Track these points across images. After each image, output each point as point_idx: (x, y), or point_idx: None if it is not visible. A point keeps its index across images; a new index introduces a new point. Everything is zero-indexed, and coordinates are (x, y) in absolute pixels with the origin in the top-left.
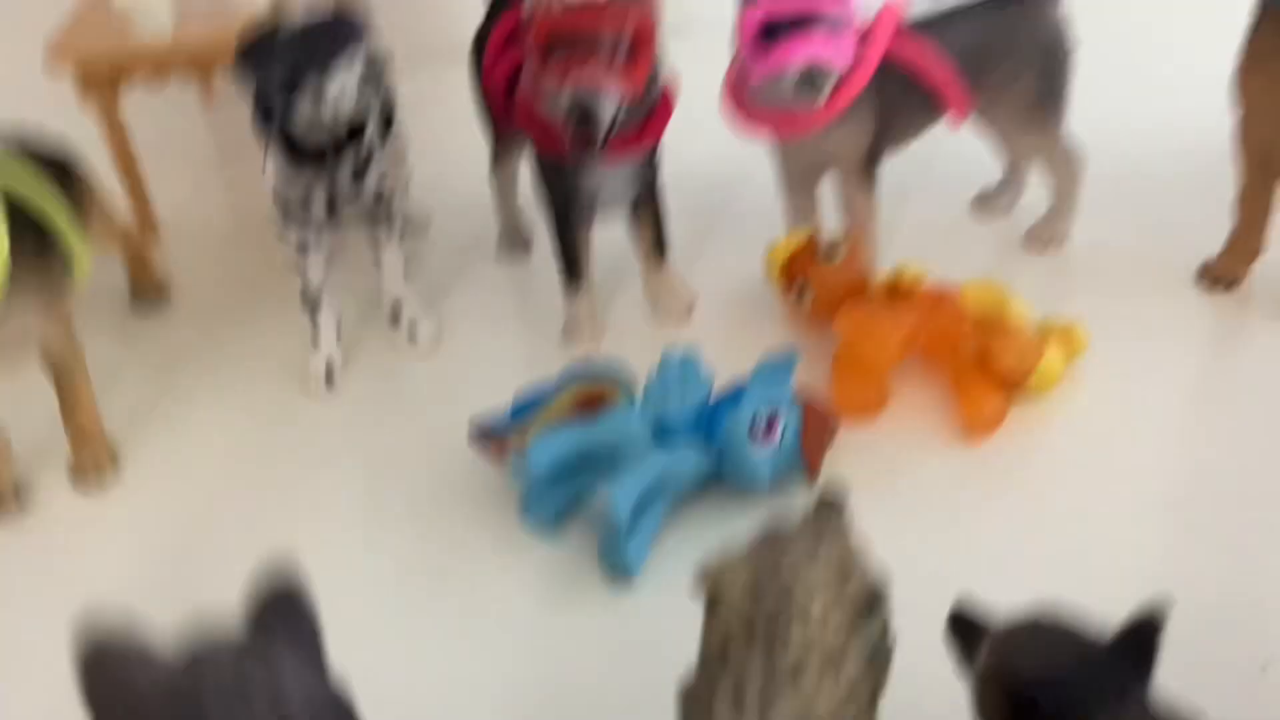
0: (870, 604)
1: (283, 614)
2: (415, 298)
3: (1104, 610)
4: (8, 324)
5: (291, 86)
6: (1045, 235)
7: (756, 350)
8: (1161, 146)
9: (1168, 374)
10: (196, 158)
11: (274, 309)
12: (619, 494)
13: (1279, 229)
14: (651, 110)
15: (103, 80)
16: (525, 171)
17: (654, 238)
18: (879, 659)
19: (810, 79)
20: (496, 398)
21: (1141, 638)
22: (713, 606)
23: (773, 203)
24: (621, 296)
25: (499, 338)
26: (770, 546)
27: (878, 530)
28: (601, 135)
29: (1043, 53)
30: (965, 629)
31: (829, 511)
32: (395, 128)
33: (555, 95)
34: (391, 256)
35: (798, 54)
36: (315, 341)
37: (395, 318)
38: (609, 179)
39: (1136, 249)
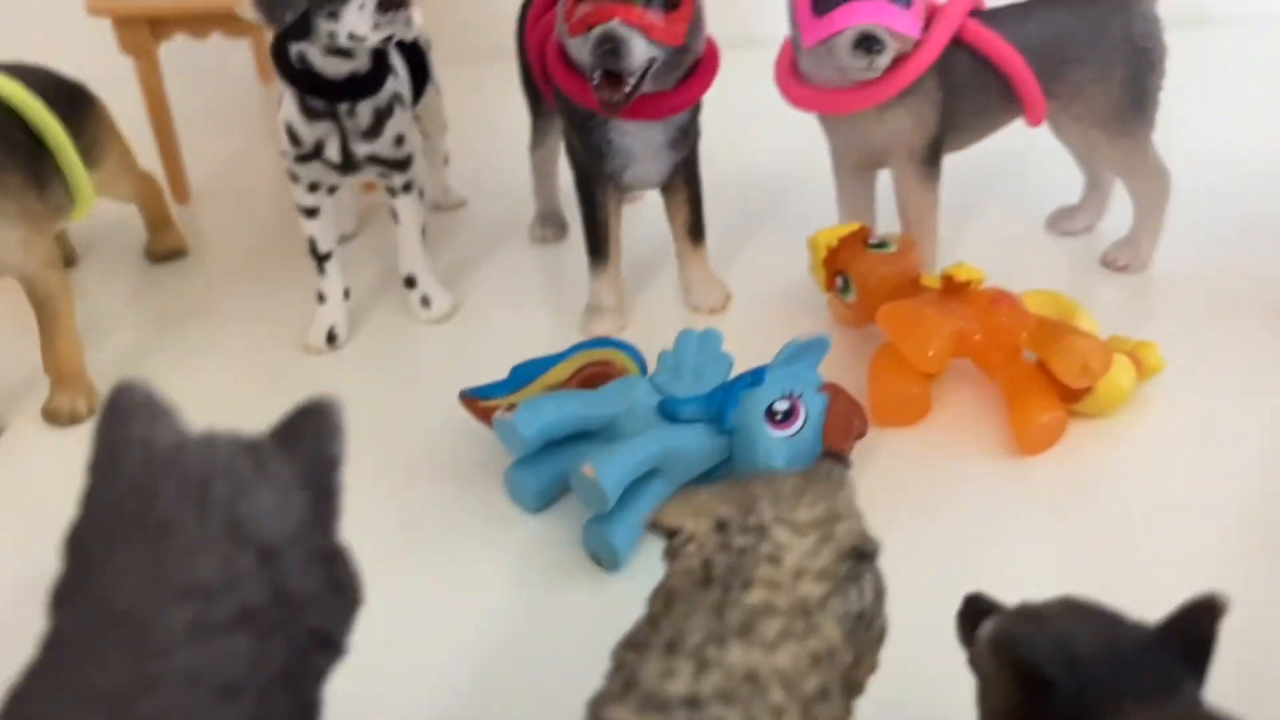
0: (856, 560)
1: (307, 448)
2: (431, 274)
3: None
4: None
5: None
6: (1125, 257)
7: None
8: (1259, 176)
9: (1244, 409)
10: (246, 128)
11: (294, 273)
12: (607, 465)
13: None
14: (691, 68)
15: (141, 33)
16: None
17: (690, 219)
18: (862, 633)
19: (867, 43)
20: (505, 373)
21: (1194, 628)
22: (675, 545)
23: (830, 206)
24: (656, 282)
25: (520, 316)
26: (750, 484)
27: (907, 541)
28: (631, 82)
29: (1130, 53)
30: (978, 613)
31: (829, 464)
32: (428, 92)
33: (584, 35)
34: (408, 214)
35: (856, 16)
36: (321, 299)
37: (411, 284)
38: (641, 141)
39: (1223, 280)
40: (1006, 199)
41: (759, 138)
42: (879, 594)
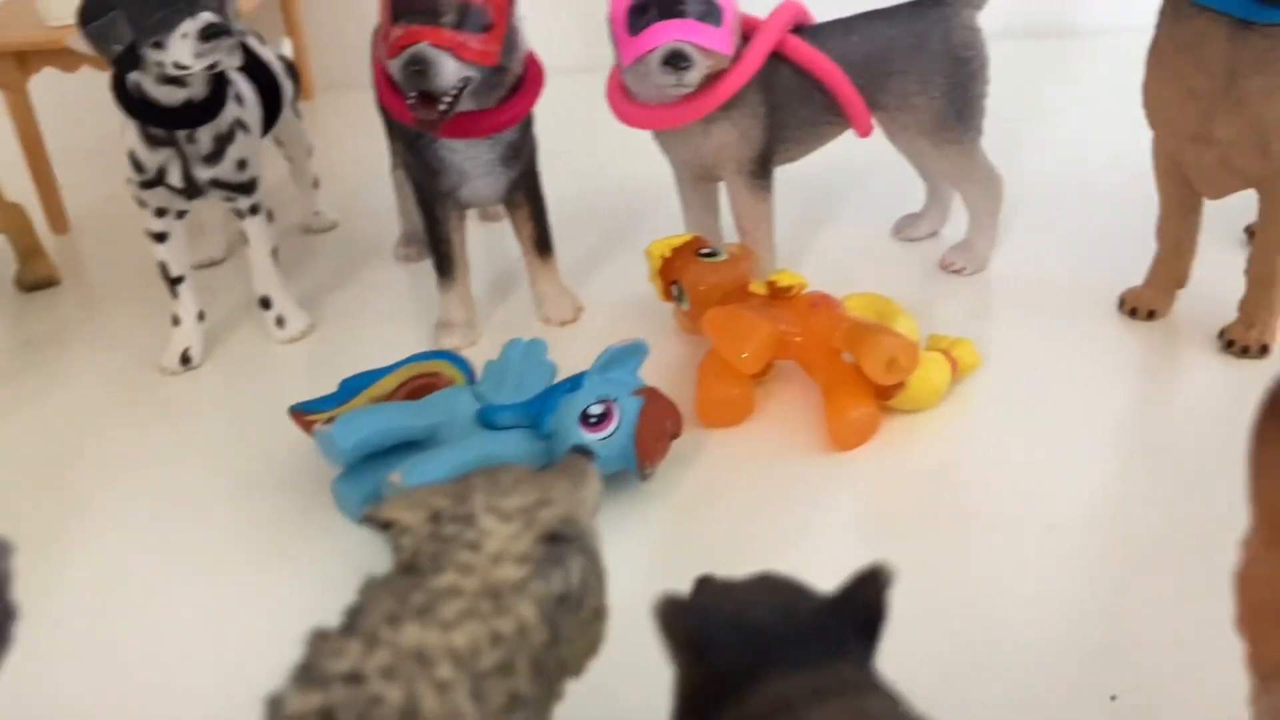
0: (555, 543)
1: None
2: (285, 295)
3: (951, 625)
4: None
5: (139, 29)
6: (961, 260)
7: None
8: (1093, 174)
9: (1073, 405)
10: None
11: (164, 300)
12: (417, 473)
13: (1209, 256)
14: (515, 86)
15: (8, 67)
16: None
17: (535, 233)
18: (567, 615)
19: (675, 60)
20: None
21: (863, 597)
22: (393, 538)
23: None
24: (512, 297)
25: (380, 333)
26: (473, 477)
27: (726, 535)
28: (446, 101)
29: (951, 63)
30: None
31: (577, 457)
32: (287, 118)
33: (398, 57)
34: (257, 236)
35: (664, 35)
36: (175, 322)
37: (266, 305)
38: (471, 159)
39: (1062, 277)
40: (853, 209)
41: (613, 156)
42: (590, 576)
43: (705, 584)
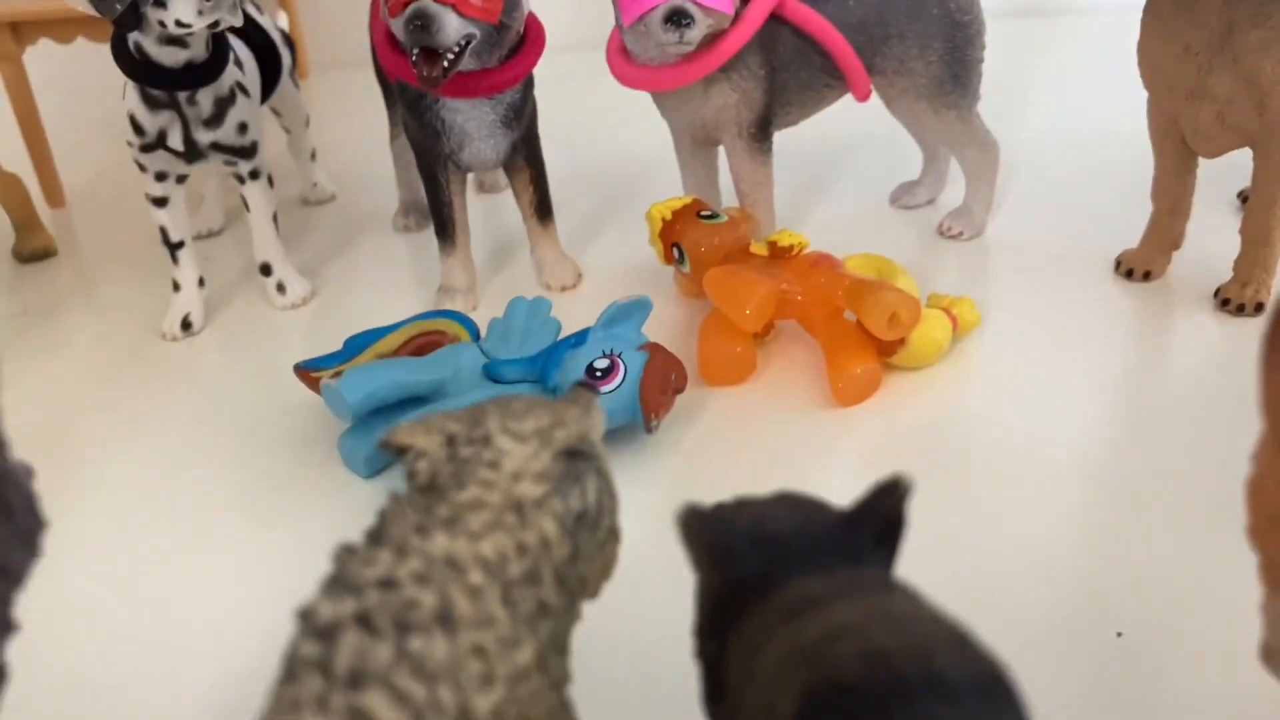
0: (571, 460)
1: None
2: (285, 261)
3: (955, 573)
4: None
5: None
6: (959, 225)
7: (647, 323)
8: (1088, 141)
9: (1072, 361)
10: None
11: (163, 268)
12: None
13: (1203, 220)
14: (516, 46)
15: (4, 38)
16: None
17: (536, 198)
18: (585, 533)
19: (676, 17)
20: None
21: (881, 507)
22: (408, 463)
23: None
24: (512, 263)
25: (379, 301)
26: (485, 405)
27: (731, 488)
28: (449, 58)
29: (948, 27)
30: (696, 522)
31: (581, 391)
32: (285, 86)
33: (401, 14)
34: (257, 201)
35: None
36: (176, 287)
37: (266, 271)
38: (474, 120)
39: (1059, 241)
40: (852, 177)
41: (613, 129)
42: (605, 496)
43: (724, 503)
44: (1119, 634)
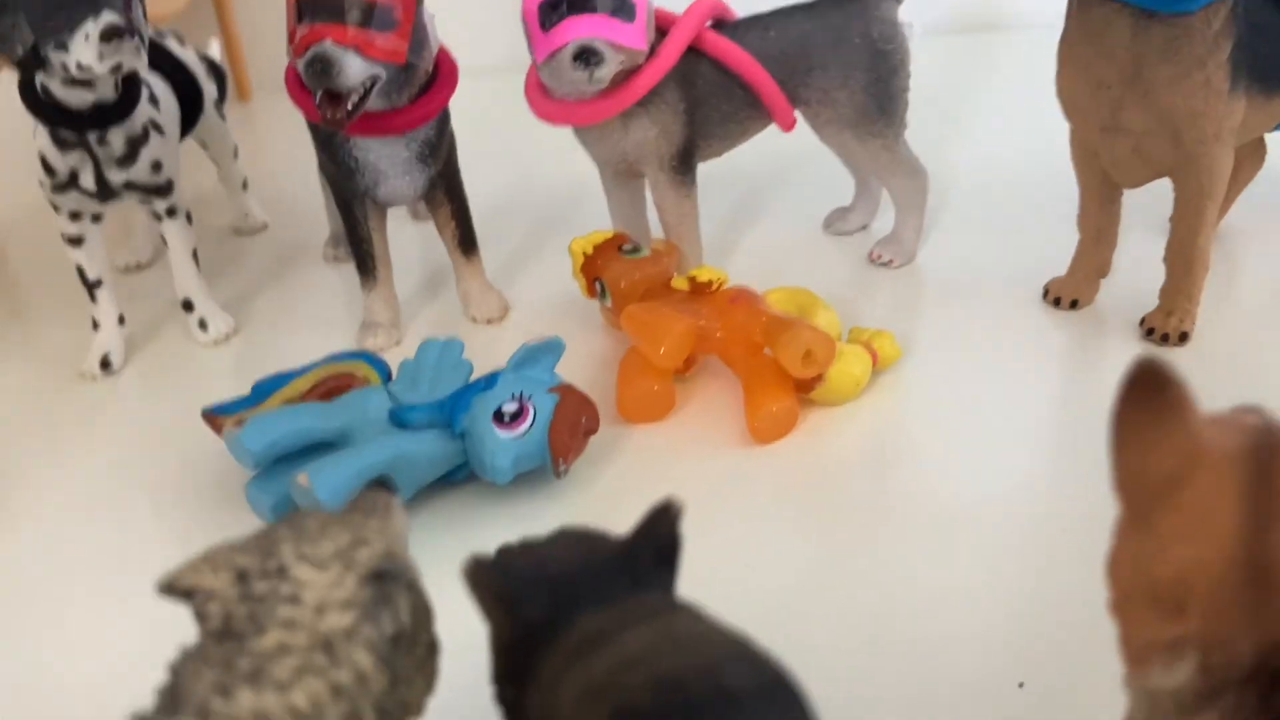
0: (380, 583)
1: None
2: (208, 297)
3: (864, 614)
4: None
5: (43, 29)
6: (889, 253)
7: (572, 354)
8: (1018, 167)
9: (996, 392)
10: None
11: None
12: (324, 475)
13: (1134, 247)
14: (427, 82)
15: None
16: None
17: (459, 232)
18: (402, 656)
19: (585, 56)
20: None
21: (657, 532)
22: (198, 606)
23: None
24: (441, 296)
25: (307, 335)
26: (276, 528)
27: None
28: (353, 100)
29: (871, 56)
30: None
31: (376, 492)
32: (210, 119)
33: (302, 56)
34: (176, 238)
35: (574, 31)
36: (95, 326)
37: (189, 308)
38: (386, 158)
39: (988, 268)
40: (784, 204)
41: (539, 155)
42: (419, 611)
43: (507, 547)
44: (1020, 684)
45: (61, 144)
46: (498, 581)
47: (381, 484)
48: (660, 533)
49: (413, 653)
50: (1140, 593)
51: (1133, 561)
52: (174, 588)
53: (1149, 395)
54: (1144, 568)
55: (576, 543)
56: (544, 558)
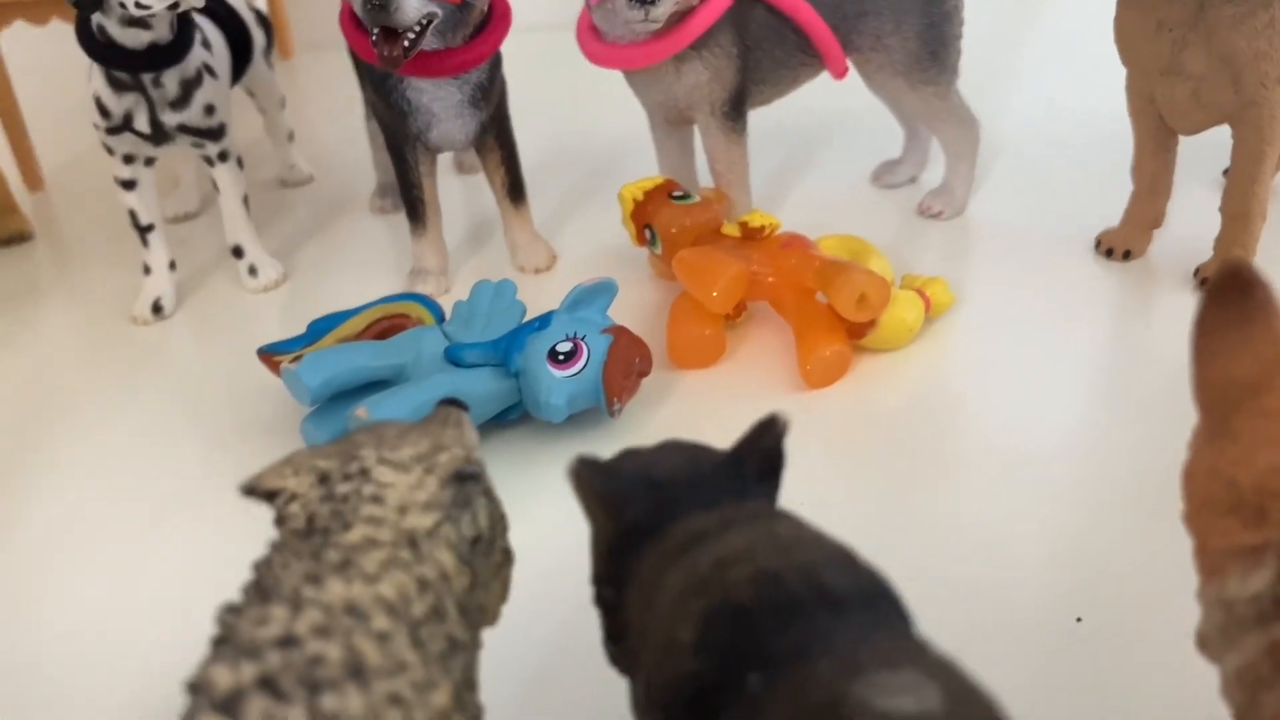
0: (460, 485)
1: None
2: (257, 244)
3: (921, 554)
4: None
5: None
6: (939, 204)
7: (620, 303)
8: (1070, 119)
9: (1048, 342)
10: None
11: (138, 253)
12: (382, 409)
13: (1186, 198)
14: (481, 24)
15: None
16: None
17: (508, 179)
18: (480, 559)
19: None
20: None
21: (761, 444)
22: (279, 507)
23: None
24: (488, 246)
25: (354, 283)
26: (354, 436)
27: None
28: (409, 38)
29: (925, 2)
30: (587, 472)
31: (447, 408)
32: (259, 68)
33: None
34: (227, 183)
35: None
36: (146, 271)
37: (238, 254)
38: (440, 100)
39: (1039, 220)
40: (832, 156)
41: (587, 110)
42: (495, 519)
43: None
44: (1079, 619)
45: (117, 85)
46: (602, 483)
47: (452, 401)
48: (765, 444)
49: (490, 557)
50: (1220, 500)
51: (1212, 470)
52: (256, 489)
53: (1235, 298)
54: (1225, 475)
55: (681, 451)
56: (649, 463)
